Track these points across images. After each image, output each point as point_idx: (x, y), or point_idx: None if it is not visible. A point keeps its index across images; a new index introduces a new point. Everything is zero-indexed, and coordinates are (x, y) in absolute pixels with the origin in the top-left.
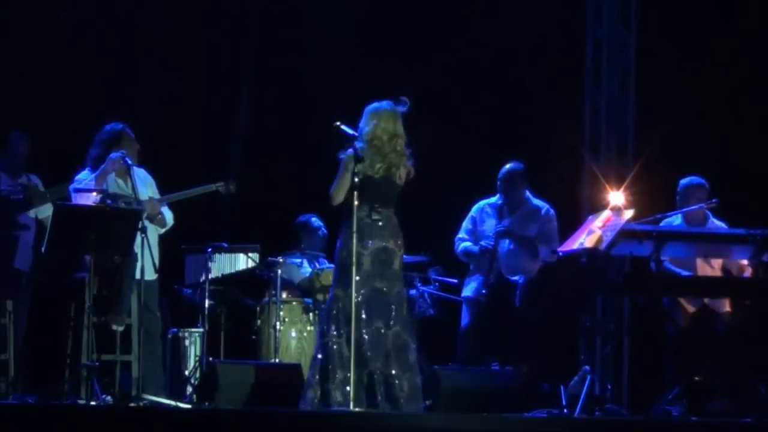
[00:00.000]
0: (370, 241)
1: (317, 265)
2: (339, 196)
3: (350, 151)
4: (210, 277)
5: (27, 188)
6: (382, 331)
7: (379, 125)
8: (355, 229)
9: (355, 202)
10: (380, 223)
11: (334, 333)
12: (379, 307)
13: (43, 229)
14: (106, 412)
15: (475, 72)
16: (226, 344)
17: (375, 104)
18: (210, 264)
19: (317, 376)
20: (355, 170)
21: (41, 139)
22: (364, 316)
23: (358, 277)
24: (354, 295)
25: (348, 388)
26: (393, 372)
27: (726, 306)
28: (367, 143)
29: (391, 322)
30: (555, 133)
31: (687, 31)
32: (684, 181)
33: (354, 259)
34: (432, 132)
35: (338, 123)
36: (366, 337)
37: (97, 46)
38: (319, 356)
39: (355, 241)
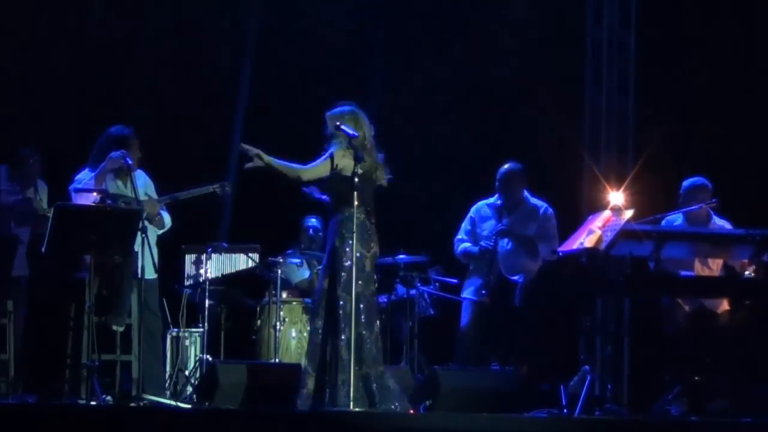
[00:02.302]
0: (373, 244)
1: (317, 265)
2: (309, 177)
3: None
4: (210, 277)
5: (31, 202)
6: (375, 332)
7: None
8: (355, 229)
9: (355, 202)
10: (374, 226)
11: (342, 336)
12: (372, 309)
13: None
14: (106, 412)
15: (474, 71)
16: (226, 344)
17: (341, 108)
18: (210, 264)
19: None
20: (356, 170)
21: (41, 141)
22: (363, 318)
23: (360, 281)
24: (354, 296)
25: (349, 388)
26: (382, 371)
27: (723, 305)
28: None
29: (377, 324)
30: (555, 133)
31: (687, 31)
32: (687, 182)
33: (360, 261)
34: (431, 132)
35: (338, 123)
36: (368, 338)
37: (97, 47)
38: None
39: (355, 242)
